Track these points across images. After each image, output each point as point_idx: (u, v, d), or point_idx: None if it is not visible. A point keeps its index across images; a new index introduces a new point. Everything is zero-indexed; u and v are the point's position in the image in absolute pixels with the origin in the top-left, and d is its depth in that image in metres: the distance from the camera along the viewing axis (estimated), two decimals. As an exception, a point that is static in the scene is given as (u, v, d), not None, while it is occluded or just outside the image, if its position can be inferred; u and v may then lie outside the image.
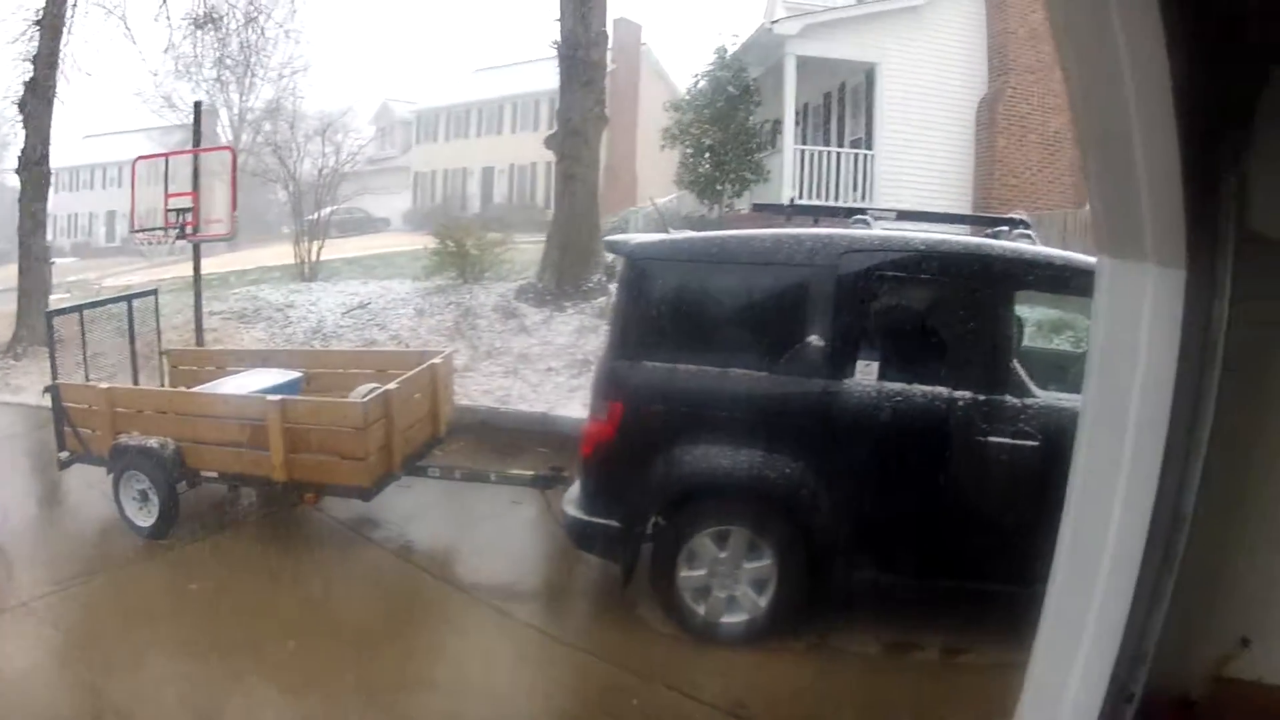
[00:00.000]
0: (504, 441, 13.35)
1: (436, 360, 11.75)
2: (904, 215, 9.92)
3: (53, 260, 28.27)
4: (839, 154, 26.82)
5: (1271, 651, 3.44)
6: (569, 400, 14.39)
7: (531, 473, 10.64)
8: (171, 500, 10.91)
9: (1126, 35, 2.51)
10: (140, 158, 19.61)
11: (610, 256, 18.93)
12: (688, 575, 7.92)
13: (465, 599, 9.17)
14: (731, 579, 7.85)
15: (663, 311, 8.25)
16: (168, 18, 29.11)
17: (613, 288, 17.91)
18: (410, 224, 60.60)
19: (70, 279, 41.12)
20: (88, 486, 12.36)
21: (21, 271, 26.00)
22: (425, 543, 10.51)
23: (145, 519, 11.06)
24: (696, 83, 28.59)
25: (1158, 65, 2.54)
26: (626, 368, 8.16)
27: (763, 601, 7.81)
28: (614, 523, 8.07)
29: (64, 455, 12.27)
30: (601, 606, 8.92)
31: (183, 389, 12.74)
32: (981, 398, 7.47)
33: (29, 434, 17.58)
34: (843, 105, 29.32)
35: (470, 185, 67.29)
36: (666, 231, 9.23)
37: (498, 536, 10.59)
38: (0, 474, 15.03)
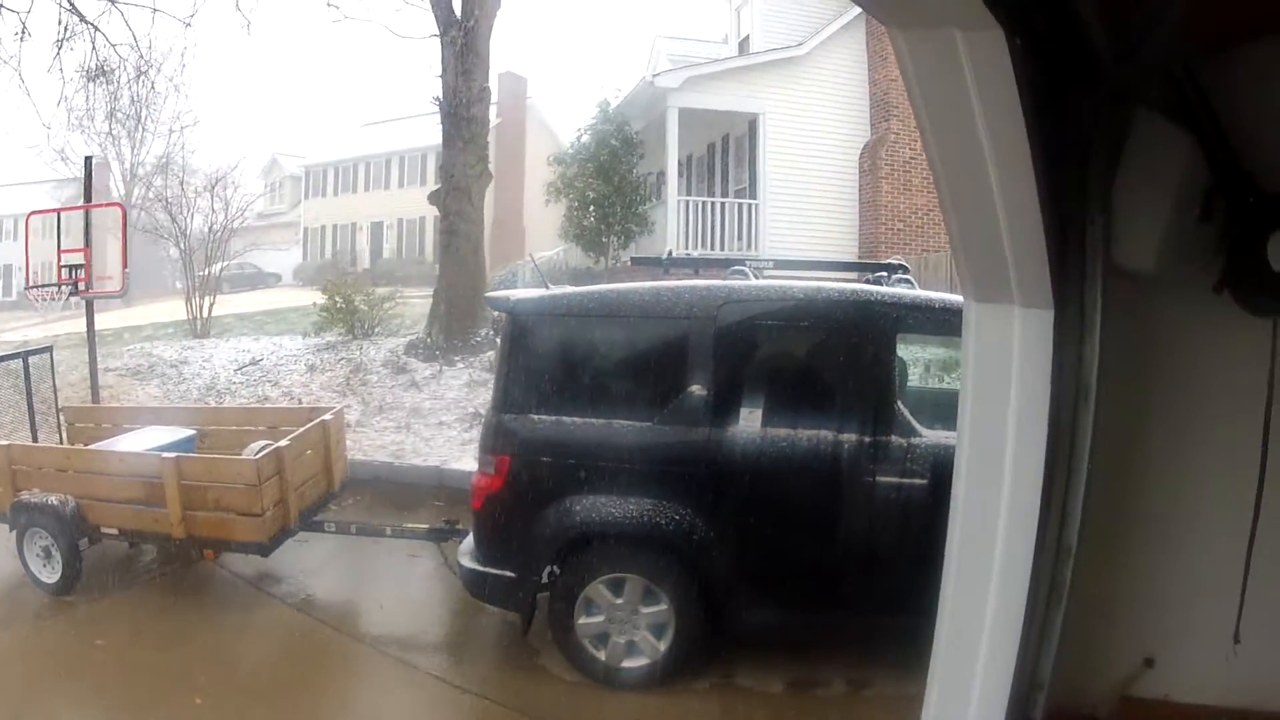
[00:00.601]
0: (399, 496, 13.39)
1: (328, 416, 11.80)
2: (783, 264, 10.15)
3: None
4: (723, 204, 27.19)
5: (1176, 669, 3.68)
6: (462, 454, 14.43)
7: (427, 526, 10.72)
8: (74, 557, 10.85)
9: (978, 84, 2.64)
10: (33, 213, 19.67)
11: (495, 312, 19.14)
12: (586, 622, 8.03)
13: (368, 651, 9.20)
14: (630, 624, 7.96)
15: (546, 365, 8.43)
16: (60, 69, 28.85)
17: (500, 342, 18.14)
18: (301, 279, 60.27)
19: (-35, 334, 40.68)
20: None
21: (-85, 325, 25.95)
22: (326, 596, 10.54)
23: (49, 575, 11.00)
24: (580, 136, 28.83)
25: (1011, 114, 2.67)
26: (512, 421, 8.30)
27: (662, 645, 7.92)
28: (509, 573, 8.20)
29: None
30: (503, 656, 8.96)
31: (80, 446, 12.67)
32: (868, 439, 7.66)
33: None
34: (726, 155, 29.68)
35: (359, 240, 67.11)
36: (546, 287, 9.32)
37: (397, 589, 10.64)
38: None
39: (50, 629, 10.37)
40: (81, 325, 20.76)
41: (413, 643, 9.36)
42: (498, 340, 18.07)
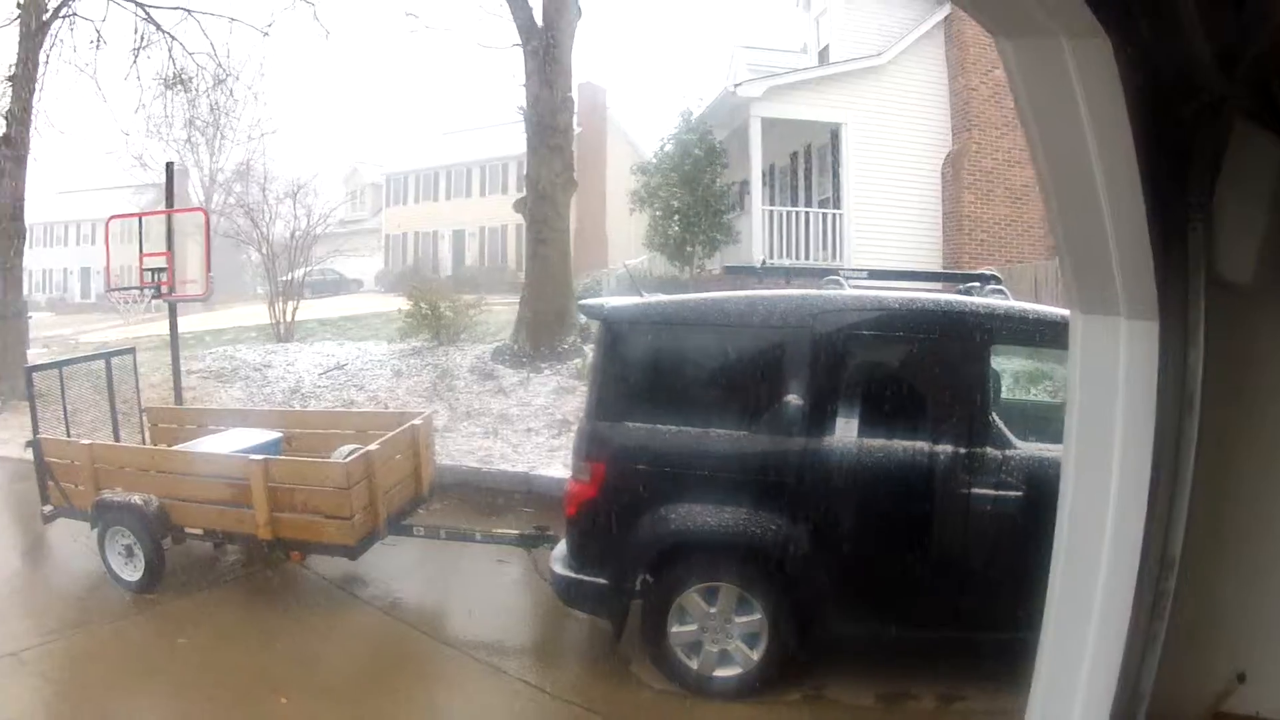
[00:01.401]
0: (487, 501, 13.42)
1: (417, 421, 11.77)
2: (876, 274, 10.03)
3: (29, 315, 28.23)
4: (807, 214, 26.97)
5: (1267, 686, 3.53)
6: (550, 460, 14.40)
7: (517, 532, 10.71)
8: (157, 555, 10.95)
9: (1085, 92, 2.62)
10: (113, 217, 19.79)
11: (584, 319, 19.07)
12: (679, 631, 7.97)
13: (456, 655, 9.16)
14: (723, 633, 7.89)
15: (640, 373, 8.37)
16: (138, 78, 29.08)
17: (587, 349, 17.98)
18: (383, 285, 60.53)
19: (47, 334, 41.23)
20: (72, 539, 12.42)
21: (-2, 326, 26.00)
22: (413, 600, 10.50)
23: (131, 573, 11.07)
24: (663, 146, 28.62)
25: (1117, 122, 2.65)
26: (607, 429, 8.25)
27: (755, 655, 7.84)
28: (602, 580, 8.15)
29: (47, 509, 12.29)
30: (594, 662, 8.93)
31: (164, 447, 12.78)
32: (963, 451, 7.55)
33: (8, 485, 17.58)
34: (809, 165, 29.49)
35: (441, 247, 67.25)
36: (640, 295, 9.28)
37: (485, 594, 10.63)
38: (-17, 528, 14.89)
39: (132, 627, 10.44)
40: (162, 328, 20.87)
41: (501, 648, 9.29)
42: (586, 348, 18.14)
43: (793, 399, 7.84)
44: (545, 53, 20.66)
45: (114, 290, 18.77)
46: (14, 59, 26.18)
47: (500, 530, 10.97)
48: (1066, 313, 3.45)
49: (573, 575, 8.33)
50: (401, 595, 10.56)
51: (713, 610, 7.89)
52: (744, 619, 7.85)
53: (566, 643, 9.62)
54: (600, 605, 8.42)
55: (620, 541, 7.99)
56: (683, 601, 7.96)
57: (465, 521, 11.76)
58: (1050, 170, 3.00)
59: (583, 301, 11.28)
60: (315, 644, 9.52)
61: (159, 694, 8.88)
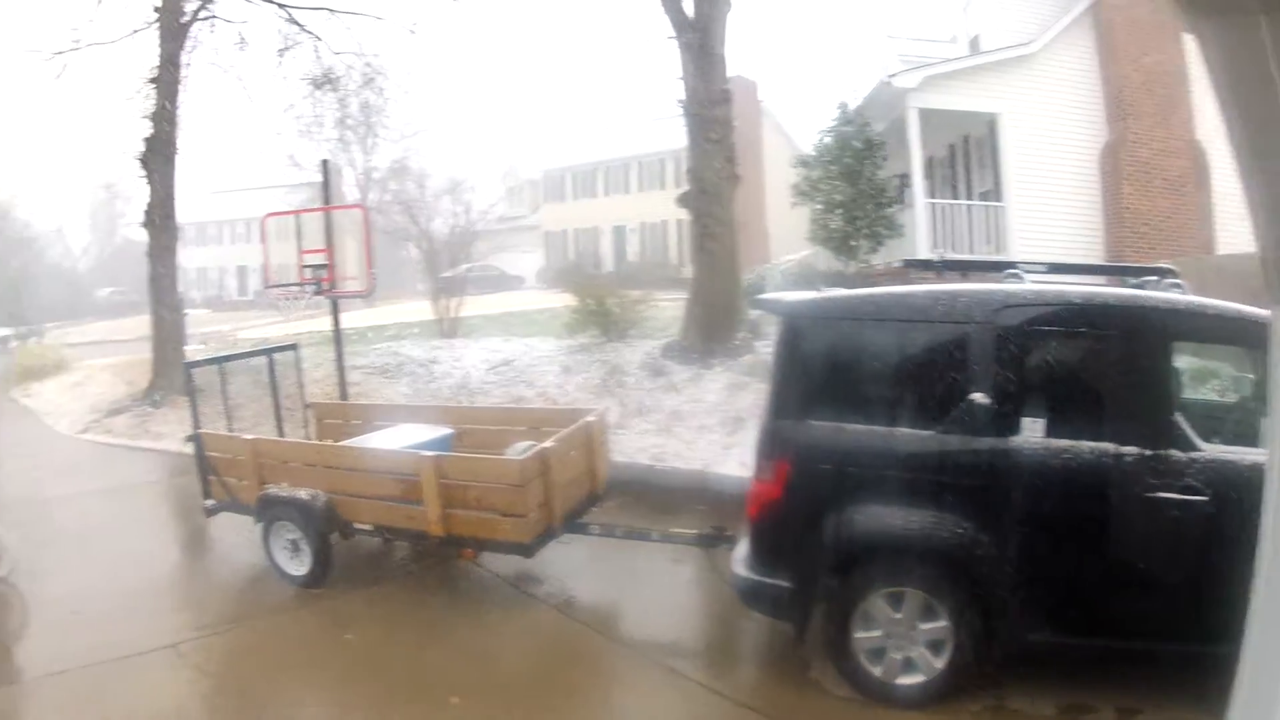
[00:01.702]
0: (661, 499, 13.36)
1: (591, 418, 11.77)
2: (1056, 268, 9.86)
3: (185, 312, 28.79)
4: (969, 207, 26.71)
5: None
6: (724, 458, 14.28)
7: (695, 531, 10.59)
8: (324, 550, 11.13)
9: None
10: (270, 214, 19.97)
11: (754, 314, 18.99)
12: (862, 636, 7.82)
13: (632, 655, 9.15)
14: (907, 640, 7.73)
15: (821, 370, 8.20)
16: (285, 77, 29.51)
17: (757, 345, 17.89)
18: (544, 282, 60.96)
19: (204, 330, 42.60)
20: (233, 534, 12.72)
21: (155, 322, 26.97)
22: (588, 599, 10.46)
23: (297, 568, 11.27)
24: (822, 138, 28.39)
25: None
26: (790, 427, 8.10)
27: (939, 663, 7.68)
28: (784, 583, 8.03)
29: (209, 503, 12.60)
30: (773, 667, 8.82)
31: (330, 442, 12.95)
32: (1148, 452, 7.31)
33: (169, 480, 18.19)
34: (968, 157, 29.19)
35: (602, 243, 67.53)
36: (817, 289, 9.14)
37: (661, 595, 10.58)
38: (144, 518, 15.60)
39: (297, 621, 10.59)
40: (321, 324, 21.11)
41: (677, 649, 9.20)
42: (756, 344, 18.05)
43: (977, 397, 7.63)
44: (699, 44, 20.60)
45: (273, 287, 18.97)
46: (156, 61, 26.83)
47: (677, 530, 10.88)
48: (1250, 308, 3.38)
49: (755, 577, 8.21)
50: (575, 593, 10.54)
51: (898, 616, 7.72)
52: (929, 625, 7.67)
53: (744, 645, 9.48)
54: (782, 608, 8.27)
55: (804, 543, 7.86)
56: (867, 606, 7.79)
57: (639, 520, 11.69)
58: (1250, 154, 2.90)
59: (760, 296, 11.17)
60: (488, 642, 9.54)
61: (324, 690, 9.04)
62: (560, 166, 74.13)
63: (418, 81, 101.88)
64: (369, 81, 31.09)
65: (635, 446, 14.98)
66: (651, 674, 8.70)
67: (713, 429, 15.42)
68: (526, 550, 10.12)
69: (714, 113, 20.58)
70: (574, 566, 10.99)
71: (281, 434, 14.04)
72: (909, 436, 7.82)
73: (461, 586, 11.14)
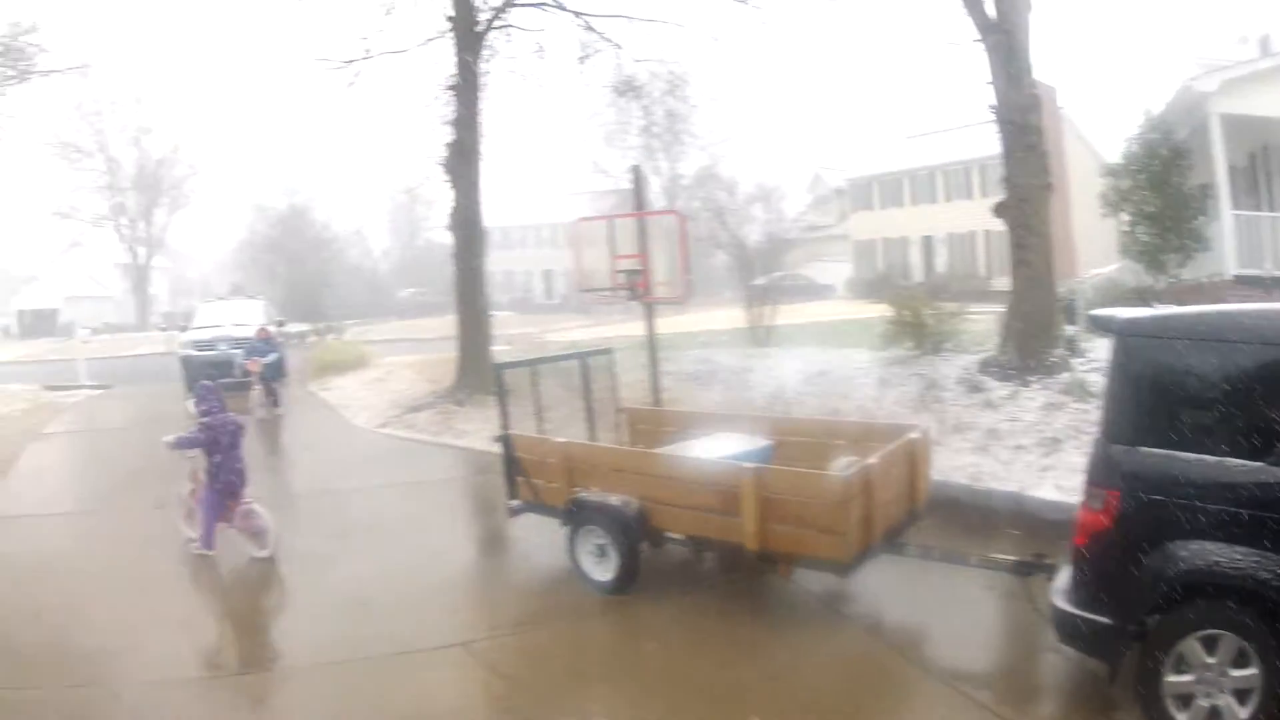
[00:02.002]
0: (975, 521, 13.03)
1: (914, 435, 11.50)
2: None
3: (491, 314, 29.24)
4: (1273, 220, 25.33)
5: None
6: (1040, 481, 13.83)
7: (1013, 558, 10.23)
8: (632, 558, 11.12)
9: None
10: (582, 219, 20.18)
11: (1070, 330, 18.47)
12: (1173, 680, 7.36)
13: (936, 685, 8.85)
14: (1215, 687, 7.24)
15: (1154, 393, 7.78)
16: (588, 85, 29.74)
17: (1075, 363, 17.38)
18: (853, 291, 60.75)
19: (509, 332, 43.56)
20: (533, 535, 12.89)
21: (461, 323, 27.55)
22: (897, 622, 10.17)
23: (603, 574, 11.29)
24: (1129, 146, 27.48)
25: None
26: (1122, 453, 7.74)
27: (1243, 713, 7.13)
28: (1105, 619, 7.67)
29: (515, 504, 12.76)
30: (1079, 706, 8.46)
31: (644, 449, 12.92)
32: None
33: (471, 478, 18.79)
34: (1268, 165, 27.84)
35: (910, 254, 67.05)
36: (1149, 305, 8.77)
37: (972, 622, 10.22)
38: (442, 515, 15.92)
39: (598, 628, 10.66)
40: (630, 330, 21.09)
41: (984, 680, 8.87)
42: (1073, 361, 17.54)
43: None
44: (1006, 47, 20.07)
45: (587, 291, 19.03)
46: (453, 69, 27.40)
47: (995, 555, 10.53)
48: None
49: (1074, 611, 7.89)
50: (885, 615, 10.31)
51: (1211, 661, 7.24)
52: (1239, 673, 7.14)
53: (1050, 682, 9.11)
54: (1098, 646, 7.89)
55: (1128, 578, 7.48)
56: (1183, 649, 7.34)
57: (953, 541, 11.39)
58: None
59: (1093, 312, 10.78)
60: (792, 660, 9.34)
61: (619, 700, 9.00)
62: (866, 175, 73.78)
63: (722, 89, 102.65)
64: (673, 89, 31.21)
65: (951, 465, 14.62)
66: (954, 705, 8.39)
67: (1029, 449, 14.94)
68: (844, 569, 9.95)
69: (1025, 119, 19.99)
70: (884, 586, 10.70)
71: (593, 438, 14.08)
72: (1240, 468, 7.34)
73: (770, 602, 10.99)
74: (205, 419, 13.59)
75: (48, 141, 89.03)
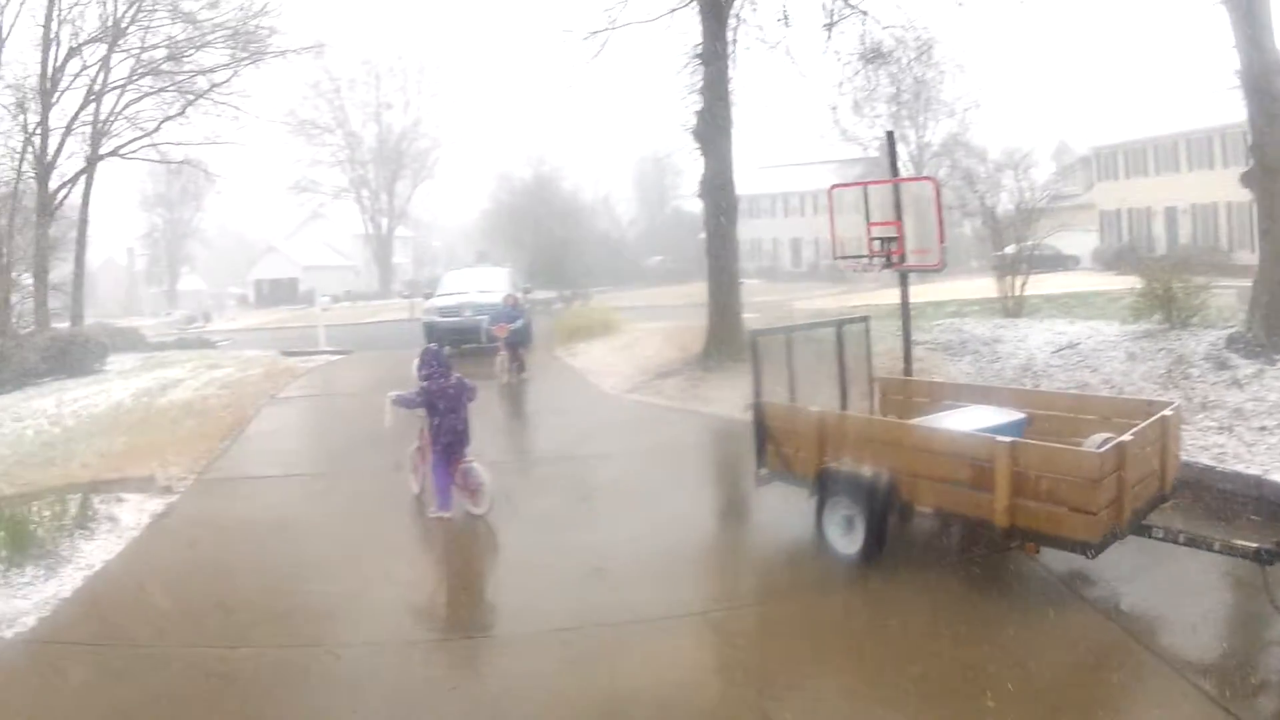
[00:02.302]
0: (1218, 504, 12.58)
1: (1168, 412, 11.15)
2: None
3: (741, 281, 29.37)
4: None
5: None
6: (1280, 464, 13.29)
7: (1255, 545, 9.71)
8: (881, 531, 11.01)
9: None
10: (835, 186, 20.05)
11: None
12: None
13: (1170, 674, 8.55)
14: None
15: None
16: (835, 52, 29.46)
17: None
18: (1099, 263, 59.73)
19: (757, 300, 43.05)
20: (777, 504, 12.87)
21: (711, 290, 27.66)
22: (1137, 607, 9.83)
23: (849, 546, 11.22)
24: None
25: None
26: None
27: None
28: None
29: (763, 472, 12.72)
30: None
31: (896, 420, 12.85)
32: None
33: (715, 445, 18.85)
34: None
35: (1154, 225, 65.60)
36: None
37: (1212, 611, 9.88)
38: (686, 481, 16.00)
39: (840, 601, 10.61)
40: (878, 299, 20.96)
41: (1218, 673, 8.49)
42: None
43: None
44: (1245, 8, 19.42)
45: (842, 259, 18.97)
46: (699, 38, 27.60)
47: (1239, 541, 9.96)
48: None
49: None
50: (1125, 599, 9.96)
51: None
52: None
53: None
54: None
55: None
56: None
57: (1194, 525, 11.03)
58: None
59: None
60: (1031, 642, 9.18)
61: (857, 676, 8.97)
62: (1112, 143, 72.04)
63: (968, 55, 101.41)
64: (921, 55, 30.89)
65: (1196, 444, 14.12)
66: (1186, 696, 8.16)
67: (1273, 431, 14.45)
68: (1091, 550, 9.62)
69: (1272, 84, 19.28)
70: (1126, 569, 10.42)
71: (844, 408, 14.00)
72: None
73: (1012, 581, 10.75)
74: (424, 382, 14.28)
75: (285, 119, 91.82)
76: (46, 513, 13.72)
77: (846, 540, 11.27)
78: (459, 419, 14.26)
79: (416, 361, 14.80)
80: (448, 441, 14.09)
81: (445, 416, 14.13)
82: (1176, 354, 18.69)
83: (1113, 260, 55.57)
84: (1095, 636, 9.32)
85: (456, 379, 14.48)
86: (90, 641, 10.52)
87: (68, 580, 12.25)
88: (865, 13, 28.94)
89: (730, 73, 27.75)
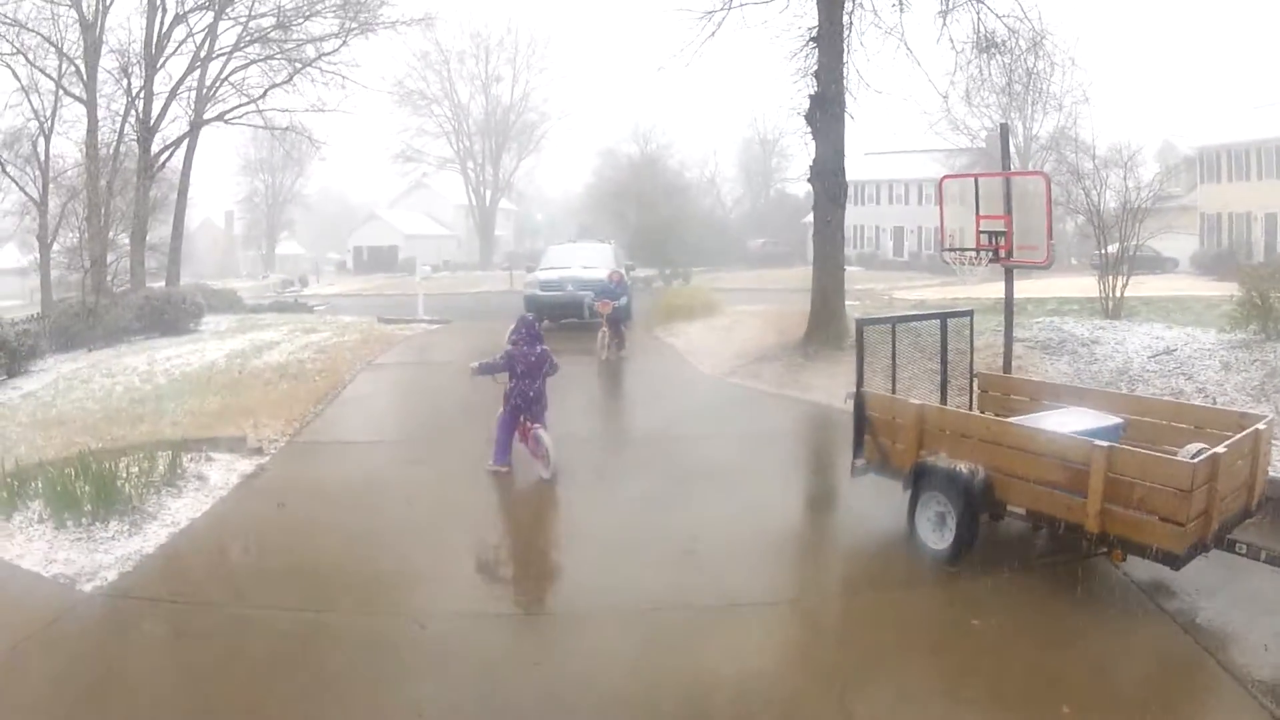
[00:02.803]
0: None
1: (1261, 425, 10.94)
2: None
3: (844, 268, 29.22)
4: None
5: None
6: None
7: None
8: (972, 528, 11.00)
9: None
10: (947, 176, 20.04)
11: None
12: None
13: (1241, 694, 8.42)
14: None
15: None
16: (950, 40, 29.27)
17: None
18: (1198, 267, 58.99)
19: (857, 288, 42.86)
20: (870, 496, 12.87)
21: (815, 276, 27.57)
22: (1213, 623, 9.71)
23: (938, 542, 11.24)
24: None
25: None
26: None
27: None
28: None
29: (859, 463, 12.70)
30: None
31: (996, 417, 12.71)
32: None
33: (813, 433, 18.84)
34: None
35: (1254, 231, 64.72)
36: None
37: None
38: (780, 468, 16.05)
39: (925, 597, 10.63)
40: (977, 292, 20.78)
41: None
42: None
43: None
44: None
45: (950, 250, 18.89)
46: (815, 21, 27.51)
47: None
48: None
49: None
50: (1203, 614, 9.87)
51: None
52: None
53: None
54: None
55: None
56: None
57: (1276, 542, 10.60)
58: None
59: None
60: (1109, 650, 9.18)
61: (939, 674, 9.00)
62: (1215, 144, 70.80)
63: (1078, 48, 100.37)
64: (1034, 45, 30.65)
65: None
66: (1251, 716, 8.10)
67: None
68: (1176, 561, 9.55)
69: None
70: (1208, 583, 10.33)
71: (944, 402, 13.97)
72: None
73: (1095, 587, 10.66)
74: (509, 348, 15.59)
75: (392, 89, 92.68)
76: (134, 469, 14.01)
77: (937, 536, 11.28)
78: (532, 386, 15.32)
79: (511, 327, 15.74)
80: (516, 404, 15.34)
81: (520, 381, 15.28)
82: (1271, 366, 18.43)
83: (1211, 265, 54.89)
84: (1171, 649, 9.30)
85: (541, 350, 15.51)
86: (168, 598, 10.82)
87: (151, 536, 12.55)
88: (980, 0, 28.76)
89: (844, 57, 27.66)
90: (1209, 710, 8.47)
